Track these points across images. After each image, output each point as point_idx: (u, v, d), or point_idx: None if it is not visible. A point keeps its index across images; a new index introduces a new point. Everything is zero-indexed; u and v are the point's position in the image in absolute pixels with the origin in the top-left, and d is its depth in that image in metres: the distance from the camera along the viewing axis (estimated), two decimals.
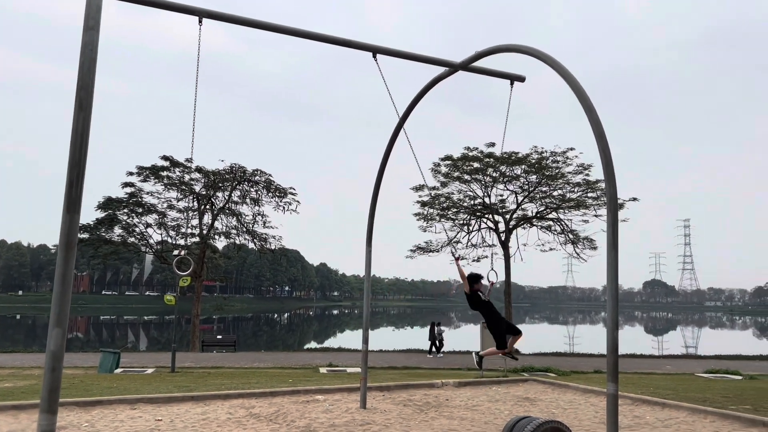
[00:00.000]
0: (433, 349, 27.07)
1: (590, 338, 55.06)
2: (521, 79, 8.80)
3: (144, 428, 8.15)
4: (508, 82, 8.78)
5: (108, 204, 28.13)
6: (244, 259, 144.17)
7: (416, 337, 53.21)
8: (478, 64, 8.41)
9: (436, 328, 27.11)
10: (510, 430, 7.20)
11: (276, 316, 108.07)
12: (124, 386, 13.09)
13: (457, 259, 8.96)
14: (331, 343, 45.11)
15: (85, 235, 28.41)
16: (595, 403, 10.90)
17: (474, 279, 8.58)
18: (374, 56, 7.85)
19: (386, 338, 51.57)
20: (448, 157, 30.46)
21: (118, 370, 18.62)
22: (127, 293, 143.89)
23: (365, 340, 10.13)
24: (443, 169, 30.94)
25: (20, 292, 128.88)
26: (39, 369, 18.85)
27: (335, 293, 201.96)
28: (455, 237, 31.85)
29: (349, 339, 48.78)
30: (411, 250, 32.62)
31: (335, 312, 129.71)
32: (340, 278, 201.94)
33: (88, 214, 30.88)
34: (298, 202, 30.28)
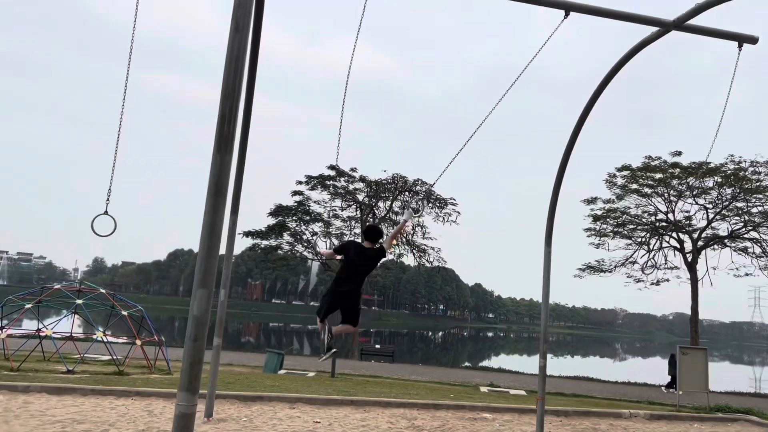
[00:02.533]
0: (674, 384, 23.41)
1: None
2: (753, 40, 7.08)
3: (301, 429, 7.59)
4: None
5: (278, 211, 29.40)
6: (401, 276, 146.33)
7: (581, 365, 49.48)
8: (695, 22, 6.88)
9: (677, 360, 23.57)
10: None
11: (430, 333, 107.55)
12: (286, 386, 12.92)
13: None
14: (487, 364, 43.26)
15: (258, 241, 29.92)
16: None
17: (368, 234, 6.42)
18: (566, 14, 6.70)
19: (549, 365, 48.39)
20: (625, 167, 27.67)
21: (282, 371, 18.85)
22: (294, 302, 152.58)
23: (543, 355, 8.80)
24: (619, 181, 28.21)
25: None
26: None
27: (490, 315, 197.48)
28: (632, 256, 28.82)
29: (505, 361, 46.53)
30: (580, 269, 30.07)
31: (489, 334, 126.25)
32: (495, 300, 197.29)
33: (259, 221, 32.45)
34: (458, 213, 29.38)
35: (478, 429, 8.51)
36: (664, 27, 6.88)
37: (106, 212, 5.35)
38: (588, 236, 29.40)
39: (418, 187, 28.90)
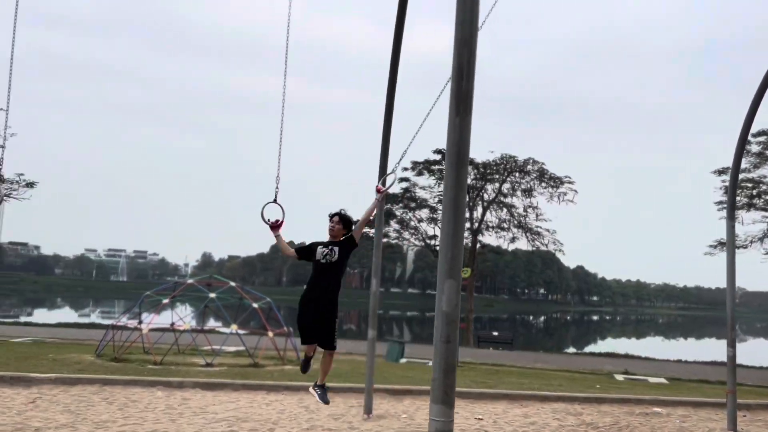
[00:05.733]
0: None
1: None
2: None
3: (467, 426, 7.04)
4: None
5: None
6: (500, 260, 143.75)
7: (702, 349, 46.00)
8: None
9: None
10: None
11: (531, 318, 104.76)
12: (419, 377, 12.50)
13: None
14: (594, 349, 40.93)
15: (366, 230, 29.82)
16: None
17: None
18: None
19: (659, 348, 45.18)
20: (763, 132, 25.08)
21: (403, 360, 18.54)
22: (391, 290, 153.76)
23: (731, 343, 7.75)
24: (754, 148, 25.58)
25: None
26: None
27: (594, 298, 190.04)
28: None
29: (624, 346, 44.08)
30: (711, 246, 27.62)
31: (595, 318, 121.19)
32: (599, 282, 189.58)
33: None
34: (575, 191, 27.87)
35: (658, 427, 7.62)
36: None
37: (275, 201, 5.37)
38: (719, 210, 26.98)
39: (529, 166, 27.65)
